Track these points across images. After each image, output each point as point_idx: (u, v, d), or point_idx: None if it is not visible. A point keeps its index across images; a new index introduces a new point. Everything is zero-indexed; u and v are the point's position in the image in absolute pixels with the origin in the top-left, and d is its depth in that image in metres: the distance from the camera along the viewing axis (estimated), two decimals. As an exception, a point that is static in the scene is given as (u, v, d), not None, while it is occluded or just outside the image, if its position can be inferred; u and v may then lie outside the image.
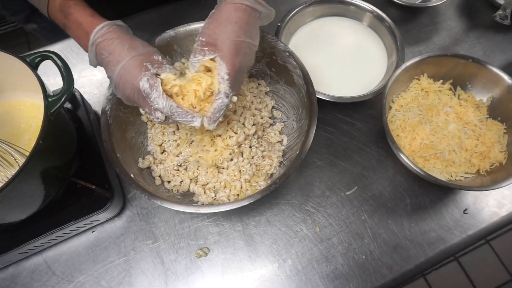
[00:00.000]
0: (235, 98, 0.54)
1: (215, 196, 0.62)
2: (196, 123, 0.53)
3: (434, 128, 0.66)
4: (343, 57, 0.75)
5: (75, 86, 0.69)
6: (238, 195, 0.61)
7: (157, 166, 0.64)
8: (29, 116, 0.63)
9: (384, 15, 0.74)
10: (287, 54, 0.63)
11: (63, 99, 0.50)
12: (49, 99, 0.50)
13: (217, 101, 0.52)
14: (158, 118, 0.52)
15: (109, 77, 0.53)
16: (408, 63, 0.67)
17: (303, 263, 0.62)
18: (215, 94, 0.52)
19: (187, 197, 0.63)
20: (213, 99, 0.53)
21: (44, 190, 0.55)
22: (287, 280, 0.61)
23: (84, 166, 0.63)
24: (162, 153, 0.66)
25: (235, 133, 0.62)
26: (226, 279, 0.61)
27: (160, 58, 0.54)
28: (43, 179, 0.53)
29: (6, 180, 0.46)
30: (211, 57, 0.52)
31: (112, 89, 0.59)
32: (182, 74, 0.69)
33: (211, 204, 0.62)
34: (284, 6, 0.84)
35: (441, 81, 0.70)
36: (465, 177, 0.64)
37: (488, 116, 0.68)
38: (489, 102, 0.68)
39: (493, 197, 0.67)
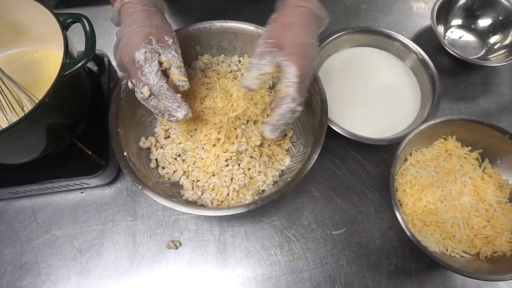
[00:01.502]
0: (299, 108, 0.50)
1: (201, 195, 0.62)
2: (179, 114, 0.51)
3: (445, 194, 0.62)
4: (374, 93, 0.72)
5: (106, 51, 0.71)
6: (222, 201, 0.61)
7: (156, 149, 0.65)
8: (56, 69, 0.66)
9: (430, 62, 0.70)
10: (313, 77, 0.61)
11: (79, 64, 0.51)
12: (67, 61, 0.51)
13: (282, 106, 0.48)
14: (142, 93, 0.50)
15: (117, 34, 0.53)
16: (437, 120, 0.62)
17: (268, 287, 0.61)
18: (279, 98, 0.49)
19: (175, 187, 0.63)
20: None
21: (45, 143, 0.57)
22: (245, 299, 0.60)
23: (90, 130, 0.65)
24: (165, 138, 0.66)
25: (239, 141, 0.61)
26: (186, 278, 0.61)
27: (170, 41, 0.52)
28: (45, 132, 0.55)
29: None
30: (282, 59, 0.48)
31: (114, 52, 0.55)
32: (207, 67, 0.69)
33: (194, 202, 0.62)
34: (334, 26, 0.81)
35: (469, 147, 0.65)
36: (462, 256, 0.59)
37: (508, 200, 0.62)
38: (514, 185, 0.62)
39: (487, 284, 0.61)
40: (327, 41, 0.72)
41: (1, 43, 0.63)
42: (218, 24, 0.65)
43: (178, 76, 0.53)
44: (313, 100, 0.62)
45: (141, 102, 0.52)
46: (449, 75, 0.78)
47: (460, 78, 0.78)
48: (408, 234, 0.55)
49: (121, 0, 0.52)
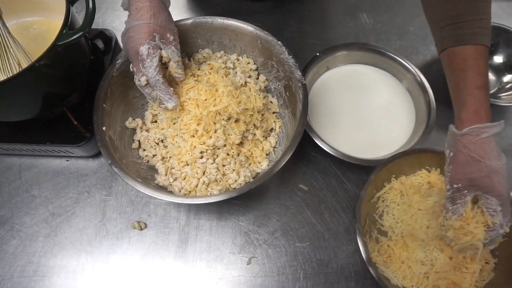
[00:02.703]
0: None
1: (172, 182, 0.63)
2: (169, 105, 0.59)
3: (417, 229, 0.59)
4: (367, 112, 0.70)
5: (117, 32, 0.75)
6: (190, 192, 0.61)
7: (141, 131, 0.67)
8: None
9: (428, 87, 0.68)
10: (300, 85, 0.61)
11: (73, 37, 0.54)
12: (63, 31, 0.54)
13: (490, 232, 0.51)
14: (139, 81, 0.57)
15: (125, 23, 0.57)
16: (421, 148, 0.60)
17: (219, 286, 0.61)
18: (489, 228, 0.51)
19: (151, 171, 0.65)
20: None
21: (36, 106, 0.60)
22: (195, 291, 0.60)
23: (84, 103, 0.67)
24: (152, 122, 0.68)
25: (217, 136, 0.62)
26: (144, 260, 0.62)
27: (172, 38, 0.57)
28: (37, 96, 0.58)
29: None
30: (473, 194, 0.51)
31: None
32: (205, 61, 0.71)
33: (165, 188, 0.63)
34: (343, 40, 0.80)
35: (454, 183, 0.62)
36: (423, 293, 0.56)
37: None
38: (494, 230, 0.59)
39: (447, 330, 0.58)
40: (327, 53, 0.71)
41: (17, 11, 0.67)
42: (220, 20, 0.66)
43: (175, 69, 0.60)
44: (296, 108, 0.62)
45: (138, 87, 0.59)
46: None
47: (465, 113, 0.74)
48: (365, 259, 0.54)
49: None
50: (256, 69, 0.71)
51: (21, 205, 0.66)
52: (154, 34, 0.55)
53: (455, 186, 0.51)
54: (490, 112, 0.49)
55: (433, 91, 0.69)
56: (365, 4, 0.86)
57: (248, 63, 0.71)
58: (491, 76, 0.77)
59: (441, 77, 0.74)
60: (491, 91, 0.75)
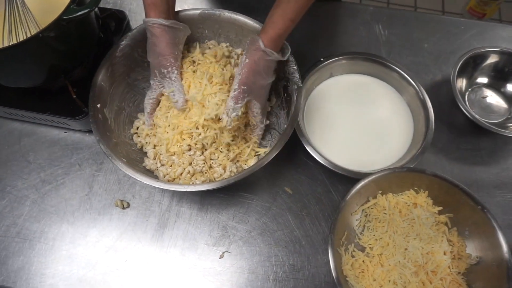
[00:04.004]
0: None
1: (158, 167, 0.64)
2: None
3: (396, 248, 0.58)
4: (365, 124, 0.69)
5: (131, 13, 0.76)
6: (174, 179, 0.62)
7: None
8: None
9: (429, 104, 0.66)
10: (296, 87, 0.61)
11: (78, 13, 0.56)
12: (70, 6, 0.56)
13: (255, 131, 0.65)
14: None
15: None
16: (411, 168, 0.58)
17: (188, 274, 0.61)
18: (252, 126, 0.65)
19: (140, 153, 0.66)
20: None
21: (38, 75, 0.62)
22: (164, 275, 0.61)
23: (87, 79, 0.69)
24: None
25: (206, 135, 0.62)
26: (121, 239, 0.64)
27: (165, 71, 0.61)
28: (39, 65, 0.61)
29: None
30: (250, 98, 0.60)
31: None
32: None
33: (151, 172, 0.64)
34: (351, 48, 0.79)
35: (440, 207, 0.60)
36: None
37: (461, 273, 0.56)
38: (474, 262, 0.57)
39: None
40: (332, 59, 0.70)
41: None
42: (227, 14, 0.67)
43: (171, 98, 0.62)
44: (291, 110, 0.61)
45: None
46: (458, 131, 0.72)
47: (467, 138, 0.72)
48: (333, 272, 0.53)
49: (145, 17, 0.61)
50: (259, 67, 0.71)
51: (16, 169, 0.69)
52: (155, 71, 0.62)
53: (242, 87, 0.58)
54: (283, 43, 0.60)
55: (436, 112, 0.67)
56: (383, 15, 0.84)
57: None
58: (503, 104, 0.74)
59: (449, 100, 0.73)
60: (498, 120, 0.73)
